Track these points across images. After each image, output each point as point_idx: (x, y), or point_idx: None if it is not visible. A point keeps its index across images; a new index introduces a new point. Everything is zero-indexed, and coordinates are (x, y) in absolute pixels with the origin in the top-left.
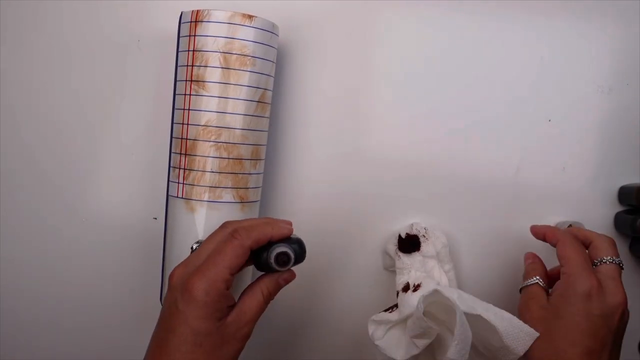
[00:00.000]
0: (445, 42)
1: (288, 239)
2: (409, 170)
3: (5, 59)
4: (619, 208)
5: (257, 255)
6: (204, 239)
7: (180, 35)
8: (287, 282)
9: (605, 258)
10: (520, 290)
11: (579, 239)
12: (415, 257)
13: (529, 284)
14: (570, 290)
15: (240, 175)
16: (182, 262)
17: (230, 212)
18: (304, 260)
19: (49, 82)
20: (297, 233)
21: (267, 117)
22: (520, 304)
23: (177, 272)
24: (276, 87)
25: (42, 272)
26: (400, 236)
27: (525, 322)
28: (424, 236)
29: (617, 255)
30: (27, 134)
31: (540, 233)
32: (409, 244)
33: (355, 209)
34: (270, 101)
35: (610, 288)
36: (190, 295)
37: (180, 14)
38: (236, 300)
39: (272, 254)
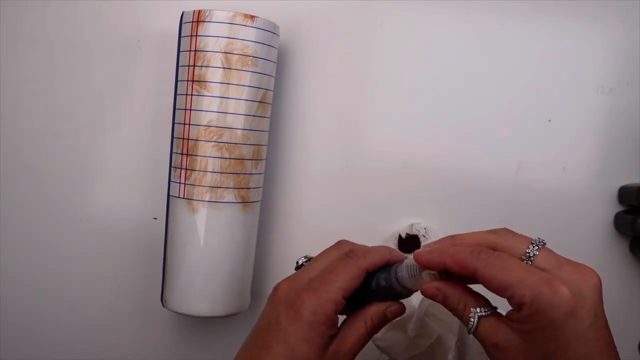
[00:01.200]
0: (445, 42)
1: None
2: (409, 169)
3: (5, 59)
4: (619, 208)
5: (368, 281)
6: (313, 255)
7: (182, 35)
8: (395, 315)
9: (529, 249)
10: (474, 334)
11: (497, 255)
12: None
13: (475, 323)
14: (542, 320)
15: (242, 175)
16: (289, 276)
17: (232, 212)
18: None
19: (49, 82)
20: (299, 232)
21: (268, 117)
22: (488, 354)
23: (284, 285)
24: (277, 87)
25: (42, 272)
26: (400, 236)
27: None
28: (424, 236)
29: (529, 238)
30: (27, 134)
31: (455, 265)
32: (410, 244)
33: (356, 209)
34: (272, 101)
35: (573, 277)
36: (297, 312)
37: (181, 14)
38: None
39: (398, 270)
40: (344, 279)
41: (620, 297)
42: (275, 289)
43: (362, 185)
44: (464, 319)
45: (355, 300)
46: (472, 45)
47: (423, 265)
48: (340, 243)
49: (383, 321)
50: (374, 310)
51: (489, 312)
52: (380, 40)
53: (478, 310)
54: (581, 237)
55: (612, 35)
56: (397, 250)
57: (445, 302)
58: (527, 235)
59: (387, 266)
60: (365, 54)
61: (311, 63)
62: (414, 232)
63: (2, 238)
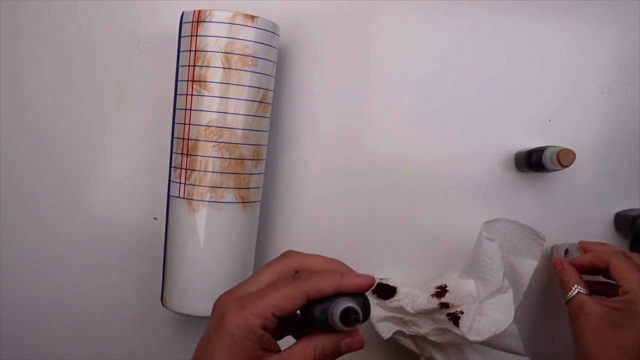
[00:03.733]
0: (445, 42)
1: (364, 299)
2: (409, 169)
3: (6, 59)
4: (619, 208)
5: (312, 308)
6: None
7: (182, 35)
8: (351, 349)
9: None
10: (567, 302)
11: (629, 257)
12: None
13: (573, 295)
14: (633, 307)
15: (242, 175)
16: (231, 289)
17: (232, 212)
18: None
19: (49, 82)
20: (299, 232)
21: (268, 117)
22: (571, 314)
23: (222, 297)
24: (276, 87)
25: (42, 272)
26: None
27: (581, 332)
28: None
29: None
30: (27, 133)
31: (587, 264)
32: (384, 291)
33: (357, 208)
34: (271, 101)
35: None
36: (222, 325)
37: (181, 14)
38: (281, 349)
39: (337, 308)
40: (277, 297)
41: None
42: (216, 300)
43: (362, 185)
44: (565, 289)
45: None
46: (472, 45)
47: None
48: (285, 255)
49: (336, 352)
50: (327, 338)
51: (585, 292)
52: (380, 40)
53: (580, 287)
54: (581, 237)
55: (612, 35)
56: (353, 276)
57: (560, 273)
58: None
59: (334, 297)
60: (365, 54)
61: (311, 63)
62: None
63: (3, 238)
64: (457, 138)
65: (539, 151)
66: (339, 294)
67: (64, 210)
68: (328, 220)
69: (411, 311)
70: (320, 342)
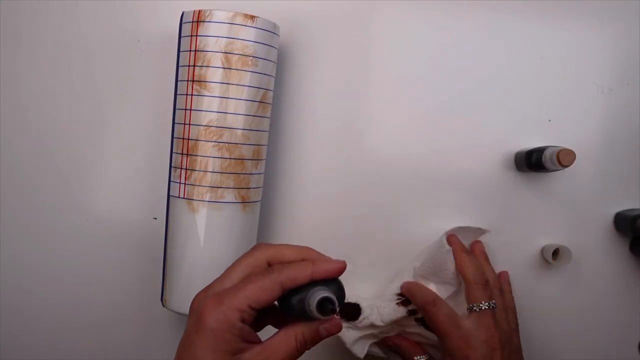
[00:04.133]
0: (444, 42)
1: (338, 285)
2: (409, 168)
3: (6, 59)
4: (619, 208)
5: (289, 298)
6: None
7: (182, 35)
8: (330, 334)
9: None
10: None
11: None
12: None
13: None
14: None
15: (242, 175)
16: (206, 286)
17: (232, 213)
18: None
19: (49, 82)
20: (299, 232)
21: (268, 117)
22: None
23: (198, 296)
24: (276, 87)
25: (42, 272)
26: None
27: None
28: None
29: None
30: (27, 133)
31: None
32: (350, 312)
33: (357, 207)
34: (271, 101)
35: None
36: (201, 321)
37: (181, 14)
38: (262, 340)
39: (313, 298)
40: (252, 289)
41: (620, 297)
42: (193, 299)
43: (362, 185)
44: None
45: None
46: (472, 45)
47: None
48: (257, 247)
49: (316, 338)
50: (306, 326)
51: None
52: (380, 40)
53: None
54: (581, 237)
55: (612, 35)
56: (324, 262)
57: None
58: (527, 235)
59: (308, 285)
60: (365, 54)
61: (311, 63)
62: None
63: (3, 238)
64: (457, 138)
65: (539, 151)
66: (314, 282)
67: (64, 210)
68: (328, 219)
69: (381, 324)
70: (300, 330)
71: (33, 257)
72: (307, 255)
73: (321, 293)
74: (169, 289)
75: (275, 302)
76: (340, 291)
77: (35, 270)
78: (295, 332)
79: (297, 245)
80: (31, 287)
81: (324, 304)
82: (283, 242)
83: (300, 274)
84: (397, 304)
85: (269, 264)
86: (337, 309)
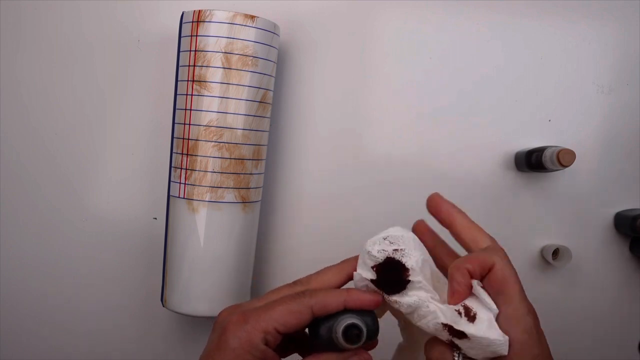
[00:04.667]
0: (445, 42)
1: (369, 315)
2: (408, 169)
3: (6, 59)
4: (618, 208)
5: (319, 326)
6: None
7: (182, 35)
8: None
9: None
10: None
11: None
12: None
13: None
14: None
15: (242, 175)
16: (238, 303)
17: (232, 213)
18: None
19: (49, 81)
20: (299, 232)
21: (268, 118)
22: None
23: (226, 311)
24: (276, 87)
25: (42, 272)
26: (373, 267)
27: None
28: (402, 257)
29: None
30: (27, 133)
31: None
32: (390, 273)
33: (357, 208)
34: (272, 101)
35: None
36: (223, 340)
37: (181, 14)
38: None
39: (339, 324)
40: (281, 311)
41: (620, 296)
42: (219, 314)
43: (361, 185)
44: None
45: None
46: (472, 46)
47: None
48: (296, 282)
49: None
50: (333, 357)
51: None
52: (379, 40)
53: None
54: (581, 237)
55: (612, 35)
56: (359, 292)
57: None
58: (527, 235)
59: (340, 313)
60: (365, 54)
61: (311, 63)
62: (390, 252)
63: (3, 238)
64: (457, 138)
65: (539, 151)
66: (347, 311)
67: (64, 210)
68: (328, 219)
69: (418, 324)
70: (324, 359)
71: (33, 257)
72: (346, 277)
73: (349, 320)
74: (169, 289)
75: (306, 330)
76: (373, 324)
77: (35, 270)
78: None
79: (339, 265)
80: (31, 287)
81: (350, 330)
82: (284, 242)
83: (332, 300)
84: (459, 313)
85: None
86: (365, 339)
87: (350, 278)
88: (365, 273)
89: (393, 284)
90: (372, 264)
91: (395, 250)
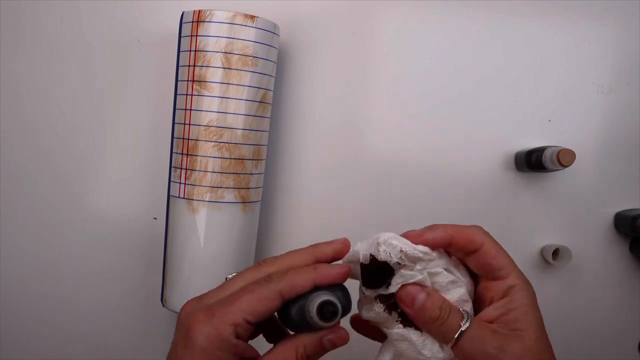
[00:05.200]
0: (445, 42)
1: (341, 290)
2: (409, 169)
3: (5, 59)
4: (618, 208)
5: (289, 308)
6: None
7: (182, 35)
8: (335, 345)
9: None
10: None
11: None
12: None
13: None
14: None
15: (242, 175)
16: (199, 295)
17: (232, 213)
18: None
19: (49, 82)
20: (299, 232)
21: (268, 118)
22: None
23: (187, 306)
24: (276, 87)
25: (42, 272)
26: (363, 264)
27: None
28: (399, 263)
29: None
30: (27, 133)
31: (442, 239)
32: (377, 273)
33: (357, 208)
34: (272, 101)
35: None
36: (190, 339)
37: (181, 14)
38: (261, 354)
39: (312, 304)
40: (249, 300)
41: (620, 297)
42: (181, 309)
43: (361, 185)
44: (447, 327)
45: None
46: (472, 45)
47: (428, 244)
48: (260, 263)
49: (319, 351)
50: (308, 337)
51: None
52: (379, 40)
53: (467, 314)
54: (581, 237)
55: (612, 35)
56: (327, 267)
57: (424, 308)
58: (527, 235)
59: (311, 292)
60: (364, 54)
61: (311, 63)
62: (383, 256)
63: (3, 238)
64: (457, 138)
65: (539, 151)
66: (317, 289)
67: (64, 210)
68: (328, 219)
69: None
70: (301, 343)
71: (33, 257)
72: (318, 255)
73: (322, 297)
74: (169, 289)
75: (276, 314)
76: (345, 298)
77: (36, 270)
78: (296, 346)
79: (303, 248)
80: (31, 287)
81: (324, 307)
82: (284, 243)
83: (301, 280)
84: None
85: None
86: (340, 314)
87: (318, 261)
88: (363, 257)
89: (375, 280)
90: (372, 252)
91: (398, 263)
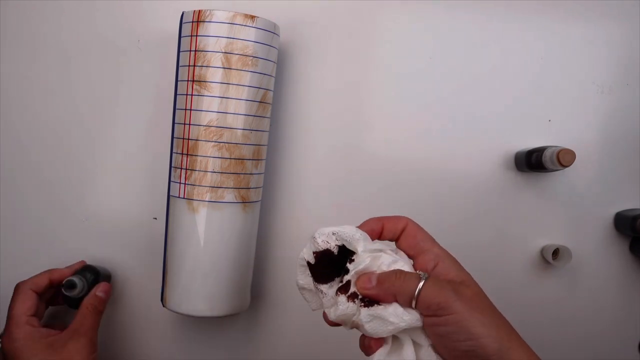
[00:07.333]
0: (445, 42)
1: (86, 269)
2: (409, 169)
3: (5, 60)
4: (618, 208)
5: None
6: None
7: (182, 35)
8: (105, 292)
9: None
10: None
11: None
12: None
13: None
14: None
15: (242, 175)
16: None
17: (232, 213)
18: None
19: (49, 82)
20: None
21: (268, 118)
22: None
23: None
24: (276, 87)
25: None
26: (309, 264)
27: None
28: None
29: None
30: (28, 133)
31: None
32: (323, 265)
33: (357, 208)
34: (272, 101)
35: None
36: (13, 346)
37: (181, 14)
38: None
39: (63, 283)
40: (18, 306)
41: (620, 296)
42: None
43: (361, 184)
44: (407, 287)
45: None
46: (473, 46)
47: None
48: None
49: (99, 300)
50: (88, 297)
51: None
52: (379, 40)
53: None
54: (581, 237)
55: (612, 35)
56: (66, 268)
57: (380, 280)
58: (527, 235)
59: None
60: (364, 54)
61: (311, 63)
62: (322, 245)
63: (3, 238)
64: (457, 138)
65: (539, 151)
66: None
67: (64, 210)
68: (328, 219)
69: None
70: (87, 302)
71: (33, 257)
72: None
73: (67, 278)
74: (169, 289)
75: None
76: (93, 273)
77: (35, 270)
78: (85, 306)
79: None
80: None
81: (65, 284)
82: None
83: (40, 280)
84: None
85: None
86: (83, 287)
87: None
88: (307, 255)
89: (322, 274)
90: (314, 249)
91: (337, 246)
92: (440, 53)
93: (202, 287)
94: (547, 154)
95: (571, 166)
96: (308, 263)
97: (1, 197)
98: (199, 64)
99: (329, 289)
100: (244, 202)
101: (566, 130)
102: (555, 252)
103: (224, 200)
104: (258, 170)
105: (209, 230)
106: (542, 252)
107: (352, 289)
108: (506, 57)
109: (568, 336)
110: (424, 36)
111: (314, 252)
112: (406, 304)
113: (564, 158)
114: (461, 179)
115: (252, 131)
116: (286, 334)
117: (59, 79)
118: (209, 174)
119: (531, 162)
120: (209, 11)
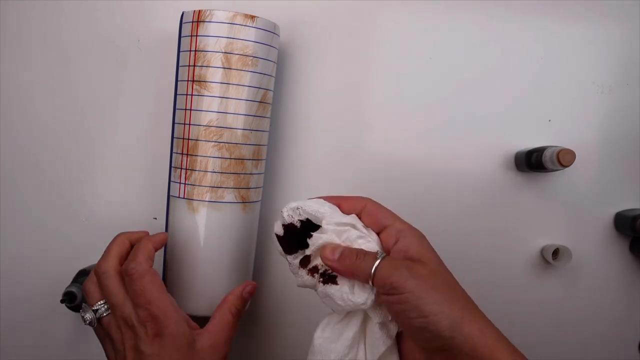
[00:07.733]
0: (445, 42)
1: (84, 274)
2: (408, 169)
3: (5, 60)
4: (618, 207)
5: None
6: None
7: (182, 35)
8: (251, 293)
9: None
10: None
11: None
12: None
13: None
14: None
15: (242, 175)
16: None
17: (232, 213)
18: None
19: (49, 82)
20: None
21: (268, 118)
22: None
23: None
24: (276, 87)
25: (42, 272)
26: (278, 236)
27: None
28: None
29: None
30: (28, 133)
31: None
32: (291, 237)
33: None
34: (272, 101)
35: None
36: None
37: (181, 14)
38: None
39: (62, 295)
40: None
41: (620, 296)
42: None
43: (361, 184)
44: (365, 265)
45: None
46: (473, 46)
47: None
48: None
49: (244, 303)
50: (231, 298)
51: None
52: (379, 40)
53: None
54: (581, 237)
55: (612, 35)
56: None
57: (342, 256)
58: (527, 235)
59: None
60: (364, 54)
61: (311, 63)
62: (287, 220)
63: (3, 238)
64: (457, 138)
65: (539, 151)
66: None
67: (64, 210)
68: None
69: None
70: (230, 304)
71: (33, 257)
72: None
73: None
74: (169, 289)
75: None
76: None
77: (36, 270)
78: (228, 307)
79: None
80: (31, 286)
81: (65, 296)
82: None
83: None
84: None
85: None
86: (76, 298)
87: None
88: (277, 228)
89: (290, 246)
90: (281, 223)
91: (300, 221)
92: (440, 53)
93: (202, 287)
94: (547, 154)
95: (571, 166)
96: (277, 235)
97: (1, 197)
98: (199, 64)
99: (293, 260)
100: (244, 202)
101: (566, 130)
102: (555, 252)
103: (224, 200)
104: (258, 170)
105: (209, 230)
106: (542, 252)
107: (313, 263)
108: (506, 57)
109: (568, 336)
110: (424, 36)
111: (282, 225)
112: (365, 282)
113: (564, 158)
114: (461, 179)
115: (252, 131)
116: (286, 333)
117: (59, 79)
118: (209, 174)
119: (531, 162)
120: (209, 11)
